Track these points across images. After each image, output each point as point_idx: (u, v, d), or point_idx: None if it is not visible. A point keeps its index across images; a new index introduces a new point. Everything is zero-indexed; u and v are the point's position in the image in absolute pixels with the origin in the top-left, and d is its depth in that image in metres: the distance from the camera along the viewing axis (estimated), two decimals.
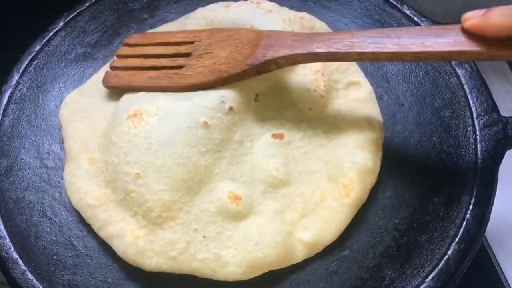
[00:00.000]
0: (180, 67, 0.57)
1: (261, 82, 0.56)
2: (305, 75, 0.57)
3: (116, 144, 0.53)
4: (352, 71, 0.59)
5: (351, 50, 0.50)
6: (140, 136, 0.52)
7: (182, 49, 0.58)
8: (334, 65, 0.59)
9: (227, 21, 0.61)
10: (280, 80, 0.57)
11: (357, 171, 0.52)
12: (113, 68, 0.60)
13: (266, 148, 0.54)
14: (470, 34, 0.46)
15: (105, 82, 0.60)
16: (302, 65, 0.58)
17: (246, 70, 0.54)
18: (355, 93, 0.58)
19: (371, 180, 0.53)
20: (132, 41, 0.62)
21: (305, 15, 0.62)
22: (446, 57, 0.48)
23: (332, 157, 0.54)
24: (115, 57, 0.61)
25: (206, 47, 0.57)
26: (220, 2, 0.64)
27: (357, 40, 0.50)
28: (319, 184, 0.53)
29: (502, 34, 0.45)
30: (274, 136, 0.55)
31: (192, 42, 0.58)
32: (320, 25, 0.62)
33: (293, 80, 0.57)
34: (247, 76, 0.55)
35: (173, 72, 0.57)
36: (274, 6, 0.62)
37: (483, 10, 0.45)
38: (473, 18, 0.46)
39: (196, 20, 0.63)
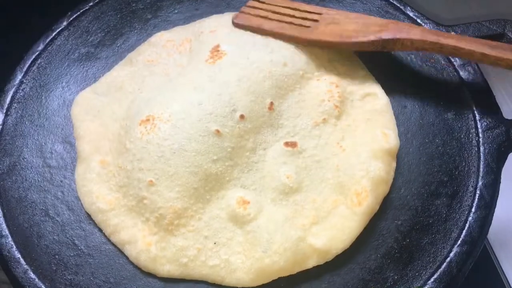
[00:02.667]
0: (307, 27, 0.60)
1: (276, 89, 0.56)
2: (319, 86, 0.57)
3: (130, 150, 0.53)
4: (369, 83, 0.59)
5: (476, 50, 0.54)
6: (153, 144, 0.52)
7: (310, 15, 0.61)
8: (349, 77, 0.59)
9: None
10: (294, 88, 0.57)
11: (370, 180, 0.52)
12: (244, 12, 0.63)
13: (279, 156, 0.54)
14: None
15: (236, 20, 0.62)
16: (316, 77, 0.58)
17: (374, 41, 0.57)
18: (371, 104, 0.58)
19: (384, 190, 0.53)
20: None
21: None
22: None
23: (345, 165, 0.53)
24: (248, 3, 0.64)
25: (333, 19, 0.60)
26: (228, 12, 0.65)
27: (480, 43, 0.54)
28: (331, 192, 0.53)
29: None
30: (286, 144, 0.54)
31: (320, 14, 0.61)
32: None
33: (307, 89, 0.57)
34: (371, 48, 0.57)
35: (301, 27, 0.60)
36: None
37: None
38: None
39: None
